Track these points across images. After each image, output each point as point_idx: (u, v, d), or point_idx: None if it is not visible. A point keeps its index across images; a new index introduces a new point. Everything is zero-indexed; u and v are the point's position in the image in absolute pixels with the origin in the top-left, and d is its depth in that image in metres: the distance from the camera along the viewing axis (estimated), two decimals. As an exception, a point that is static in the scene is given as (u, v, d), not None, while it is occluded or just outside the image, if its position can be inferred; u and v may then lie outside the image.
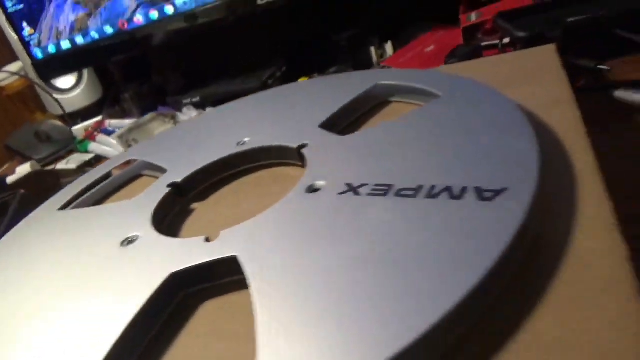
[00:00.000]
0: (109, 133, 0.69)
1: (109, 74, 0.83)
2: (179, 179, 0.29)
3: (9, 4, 0.60)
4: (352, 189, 0.21)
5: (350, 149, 0.25)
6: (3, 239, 0.29)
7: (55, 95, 0.78)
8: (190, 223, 0.27)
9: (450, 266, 0.15)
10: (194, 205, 0.29)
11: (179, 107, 0.65)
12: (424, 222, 0.18)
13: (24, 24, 0.60)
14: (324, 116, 0.30)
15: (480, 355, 0.14)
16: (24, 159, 0.70)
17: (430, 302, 0.14)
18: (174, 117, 0.54)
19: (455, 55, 0.46)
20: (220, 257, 0.20)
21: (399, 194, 0.20)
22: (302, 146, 0.27)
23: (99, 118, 0.80)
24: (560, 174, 0.21)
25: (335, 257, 0.17)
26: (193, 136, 0.35)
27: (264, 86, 0.57)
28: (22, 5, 0.60)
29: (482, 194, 0.18)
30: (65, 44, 0.61)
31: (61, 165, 0.62)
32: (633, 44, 0.38)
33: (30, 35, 0.61)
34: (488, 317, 0.15)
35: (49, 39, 0.61)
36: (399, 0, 0.62)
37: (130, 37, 0.58)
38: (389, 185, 0.21)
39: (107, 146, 0.64)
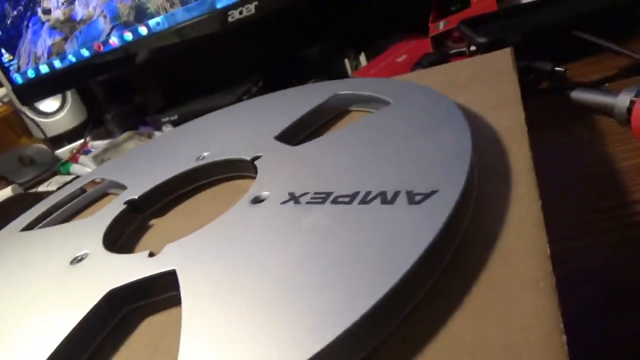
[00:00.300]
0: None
1: (92, 96, 0.84)
2: (135, 196, 0.29)
3: (-14, 31, 0.61)
4: (294, 198, 0.21)
5: (298, 159, 0.25)
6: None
7: (40, 119, 0.79)
8: (145, 239, 0.27)
9: (369, 270, 0.15)
10: (153, 222, 0.29)
11: (158, 126, 0.66)
12: (354, 228, 0.18)
13: (2, 51, 0.61)
14: (280, 128, 0.30)
15: (399, 356, 0.14)
16: (7, 183, 0.70)
17: (343, 308, 0.14)
18: (150, 136, 0.54)
19: (422, 64, 0.46)
20: (160, 271, 0.20)
21: (336, 201, 0.20)
22: (256, 158, 0.28)
23: (83, 140, 0.81)
24: (496, 175, 0.21)
25: (265, 267, 0.17)
26: (156, 153, 0.36)
27: (239, 102, 0.58)
28: (-1, 32, 0.61)
29: (413, 198, 0.18)
30: (44, 68, 0.62)
31: (42, 188, 0.62)
32: (592, 45, 0.38)
33: (10, 61, 0.62)
34: (410, 319, 0.15)
35: (27, 64, 0.62)
36: (371, 12, 0.63)
37: (106, 59, 0.59)
38: (328, 193, 0.21)
39: (89, 167, 0.64)
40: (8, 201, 0.59)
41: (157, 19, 0.55)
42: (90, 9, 0.56)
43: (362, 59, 0.61)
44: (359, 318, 0.14)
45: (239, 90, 0.60)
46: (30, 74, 0.62)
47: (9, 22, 0.59)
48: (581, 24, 0.38)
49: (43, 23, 0.58)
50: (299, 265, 0.17)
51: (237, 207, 0.23)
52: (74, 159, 0.69)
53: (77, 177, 0.63)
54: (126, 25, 0.56)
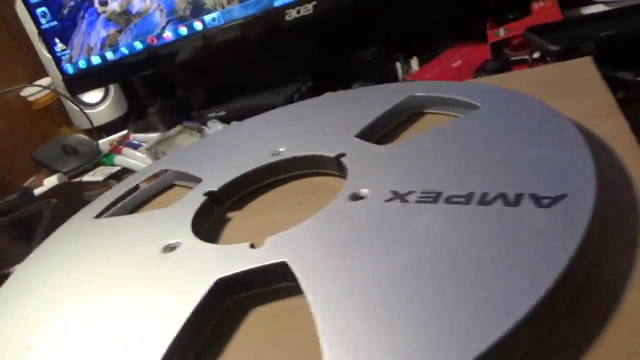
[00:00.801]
0: (134, 146, 0.69)
1: (133, 89, 0.84)
2: (215, 188, 0.29)
3: (43, 21, 0.62)
4: (399, 197, 0.21)
5: (392, 158, 0.25)
6: (43, 244, 0.30)
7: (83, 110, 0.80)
8: (228, 231, 0.27)
9: (521, 274, 0.15)
10: (231, 214, 0.29)
11: (204, 121, 0.66)
12: (482, 229, 0.17)
13: (56, 40, 0.62)
14: (359, 127, 0.30)
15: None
16: (51, 171, 0.71)
17: (505, 309, 0.14)
18: (200, 131, 0.54)
19: (485, 70, 0.46)
20: (269, 262, 0.19)
21: (450, 201, 0.19)
22: (341, 155, 0.27)
23: (124, 132, 0.81)
24: (615, 183, 0.20)
25: (390, 265, 0.17)
26: (224, 147, 0.35)
27: (290, 101, 0.58)
28: (55, 22, 0.62)
29: (540, 201, 0.18)
30: (96, 59, 0.62)
31: (87, 178, 0.63)
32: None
33: (62, 51, 0.63)
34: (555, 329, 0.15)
35: (79, 54, 0.62)
36: (423, 18, 0.62)
37: (159, 53, 0.59)
38: (438, 193, 0.20)
39: (133, 159, 0.65)
40: (56, 189, 0.59)
41: (213, 15, 0.55)
42: (147, 2, 0.57)
43: (414, 63, 0.60)
44: (517, 321, 0.13)
45: (288, 89, 0.60)
46: (82, 64, 0.63)
47: (65, 12, 0.60)
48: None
49: (99, 14, 0.59)
50: (430, 266, 0.16)
51: (336, 203, 0.22)
52: (116, 150, 0.70)
53: (123, 168, 0.64)
54: (182, 20, 0.56)
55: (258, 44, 0.59)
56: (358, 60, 0.60)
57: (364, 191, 0.23)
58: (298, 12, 0.53)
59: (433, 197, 0.20)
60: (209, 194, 0.28)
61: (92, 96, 0.80)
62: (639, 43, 0.39)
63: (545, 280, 0.14)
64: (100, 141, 0.80)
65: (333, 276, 0.17)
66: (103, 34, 0.60)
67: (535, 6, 0.54)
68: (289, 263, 0.19)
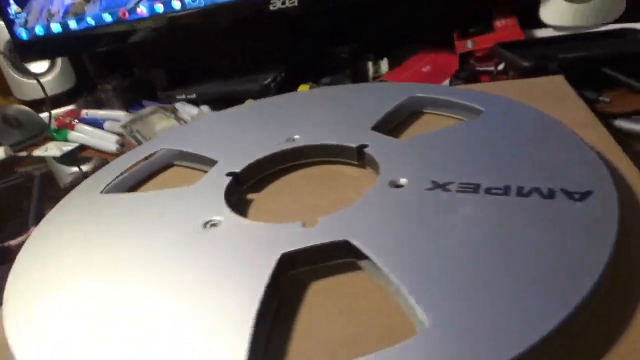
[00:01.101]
0: (89, 122, 0.66)
1: (82, 63, 0.79)
2: (236, 169, 0.29)
3: (-4, -22, 0.57)
4: (439, 186, 0.23)
5: (417, 151, 0.27)
6: (48, 219, 0.28)
7: (25, 80, 0.74)
8: (257, 211, 0.28)
9: (576, 260, 0.17)
10: (251, 195, 0.30)
11: (169, 103, 0.64)
12: (530, 217, 0.20)
13: (11, 1, 0.57)
14: (373, 120, 0.32)
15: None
16: (-10, 143, 0.65)
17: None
18: (174, 112, 0.53)
19: (459, 77, 0.50)
20: (331, 240, 0.21)
21: (490, 191, 0.22)
22: (363, 146, 0.29)
23: (70, 107, 0.77)
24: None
25: (457, 241, 0.19)
26: (232, 130, 0.36)
27: (266, 89, 0.58)
28: (10, -19, 0.57)
29: (572, 195, 0.21)
30: (56, 27, 0.58)
31: (40, 153, 0.58)
32: (617, 81, 0.43)
33: (17, 14, 0.58)
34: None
35: (38, 19, 0.58)
36: (394, 21, 0.66)
37: (127, 28, 0.57)
38: (476, 184, 0.23)
39: (92, 136, 0.61)
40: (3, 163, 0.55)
41: (194, -5, 0.54)
42: (123, -27, 0.54)
43: (384, 64, 0.63)
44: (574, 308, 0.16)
45: (261, 78, 0.60)
46: (39, 31, 0.58)
47: (25, -29, 0.55)
48: (611, 62, 0.43)
49: (66, -21, 0.55)
50: (489, 249, 0.19)
51: (378, 189, 0.24)
52: (69, 125, 0.65)
53: (80, 145, 0.60)
54: (159, -4, 0.55)
55: (234, 30, 0.58)
56: (332, 56, 0.62)
57: (402, 180, 0.25)
58: (283, 3, 0.53)
59: (473, 188, 0.23)
60: (232, 175, 0.29)
61: (38, 66, 0.74)
62: (595, 66, 0.45)
63: (600, 260, 0.17)
64: (42, 114, 0.75)
65: (404, 251, 0.19)
66: (68, 0, 0.57)
67: (498, 24, 0.59)
68: (351, 241, 0.20)
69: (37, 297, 0.22)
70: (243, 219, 0.24)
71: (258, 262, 0.20)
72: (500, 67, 0.53)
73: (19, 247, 0.27)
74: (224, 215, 0.25)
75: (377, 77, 0.63)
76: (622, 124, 0.37)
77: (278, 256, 0.20)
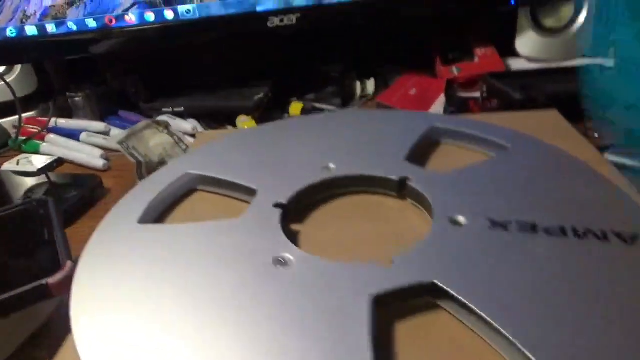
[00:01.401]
0: (60, 133, 0.62)
1: (43, 69, 0.74)
2: (279, 200, 0.30)
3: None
4: (499, 225, 0.25)
5: (464, 186, 0.29)
6: (90, 252, 0.27)
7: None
8: (313, 245, 0.28)
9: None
10: (295, 227, 0.30)
11: (152, 115, 0.62)
12: (592, 260, 0.22)
13: (-20, 0, 0.52)
14: (403, 150, 0.33)
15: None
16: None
17: None
18: (167, 127, 0.51)
19: (453, 105, 0.53)
20: (418, 281, 0.22)
21: (549, 232, 0.24)
22: (405, 179, 0.30)
23: (30, 113, 0.72)
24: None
25: (541, 279, 0.21)
26: (261, 152, 0.36)
27: (257, 105, 0.58)
28: (-20, -21, 0.52)
29: (623, 237, 0.23)
30: (31, 30, 0.54)
31: (10, 167, 0.54)
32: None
33: (-13, 14, 0.53)
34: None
35: (10, 20, 0.53)
36: (378, 43, 0.68)
37: (114, 36, 0.54)
38: (532, 224, 0.25)
39: (67, 148, 0.57)
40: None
41: (189, 7, 0.53)
42: (113, -21, 0.51)
43: (370, 84, 0.65)
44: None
45: (252, 93, 0.59)
46: (10, 32, 0.54)
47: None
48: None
49: (47, -19, 0.52)
50: (572, 287, 0.21)
51: (440, 227, 0.25)
52: (38, 136, 0.61)
53: (58, 158, 0.56)
54: (151, 5, 0.53)
55: (225, 43, 0.58)
56: (324, 74, 0.63)
57: (461, 218, 0.26)
58: (281, 20, 0.54)
59: (531, 227, 0.25)
60: (280, 206, 0.29)
61: (-5, 67, 0.68)
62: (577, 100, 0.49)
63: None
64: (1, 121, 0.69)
65: (494, 292, 0.21)
66: (48, 2, 0.53)
67: (478, 52, 0.63)
68: (438, 282, 0.22)
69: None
70: (313, 256, 0.24)
71: (348, 305, 0.21)
72: (485, 94, 0.56)
73: (59, 285, 0.26)
74: (291, 252, 0.25)
75: (363, 97, 0.65)
76: (611, 157, 0.41)
77: (367, 298, 0.21)
